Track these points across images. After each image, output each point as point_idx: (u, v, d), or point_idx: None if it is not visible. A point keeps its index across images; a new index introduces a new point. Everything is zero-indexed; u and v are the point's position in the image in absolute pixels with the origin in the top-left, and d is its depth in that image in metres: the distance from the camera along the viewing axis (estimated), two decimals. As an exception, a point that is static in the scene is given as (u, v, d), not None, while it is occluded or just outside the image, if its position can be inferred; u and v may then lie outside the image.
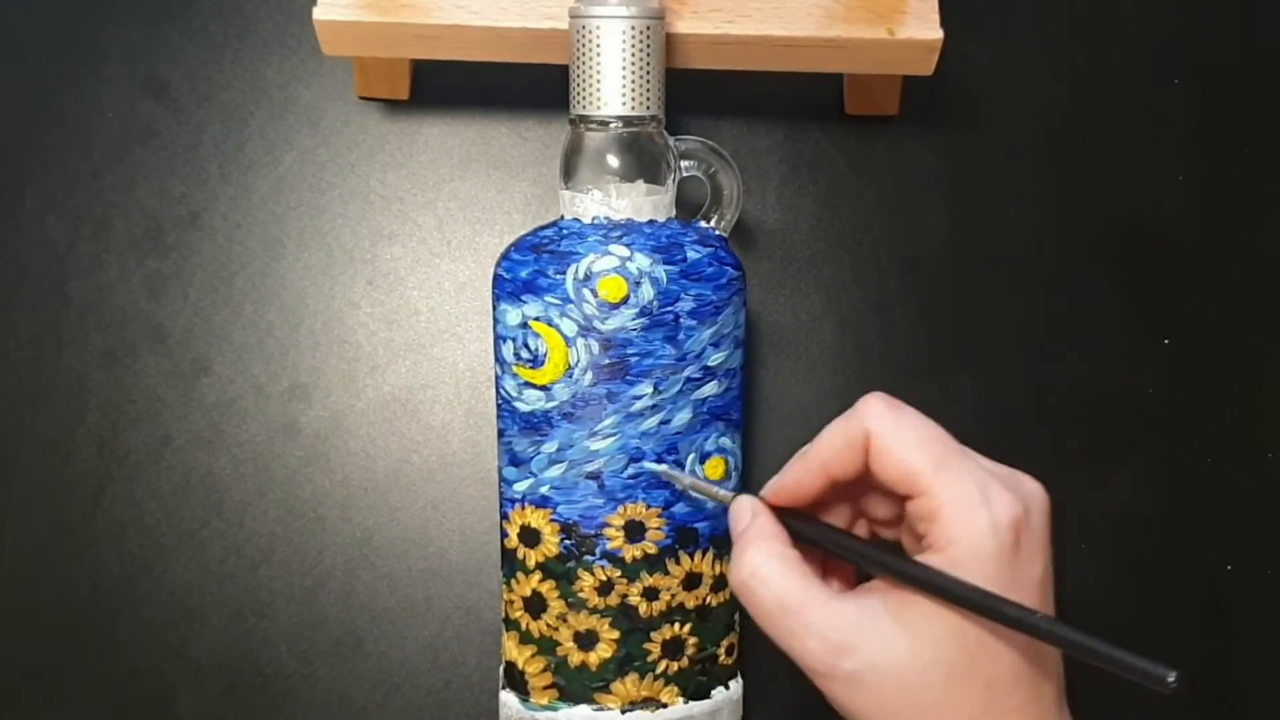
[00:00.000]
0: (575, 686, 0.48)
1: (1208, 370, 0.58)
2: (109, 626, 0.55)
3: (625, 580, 0.47)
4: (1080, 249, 0.59)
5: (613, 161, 0.48)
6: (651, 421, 0.47)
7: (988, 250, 0.60)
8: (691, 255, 0.47)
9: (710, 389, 0.48)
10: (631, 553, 0.47)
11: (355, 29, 0.51)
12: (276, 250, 0.58)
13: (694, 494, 0.47)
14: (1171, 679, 0.33)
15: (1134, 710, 0.55)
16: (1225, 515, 0.57)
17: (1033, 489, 0.40)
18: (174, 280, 0.58)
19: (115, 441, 0.57)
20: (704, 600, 0.49)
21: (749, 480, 0.54)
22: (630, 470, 0.47)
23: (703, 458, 0.48)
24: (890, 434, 0.39)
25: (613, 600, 0.47)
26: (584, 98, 0.48)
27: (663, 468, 0.47)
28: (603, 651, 0.48)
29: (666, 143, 0.48)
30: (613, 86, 0.47)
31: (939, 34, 0.51)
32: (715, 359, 0.48)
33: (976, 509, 0.37)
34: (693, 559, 0.48)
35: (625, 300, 0.46)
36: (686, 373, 0.47)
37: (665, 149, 0.48)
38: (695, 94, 0.59)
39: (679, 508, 0.48)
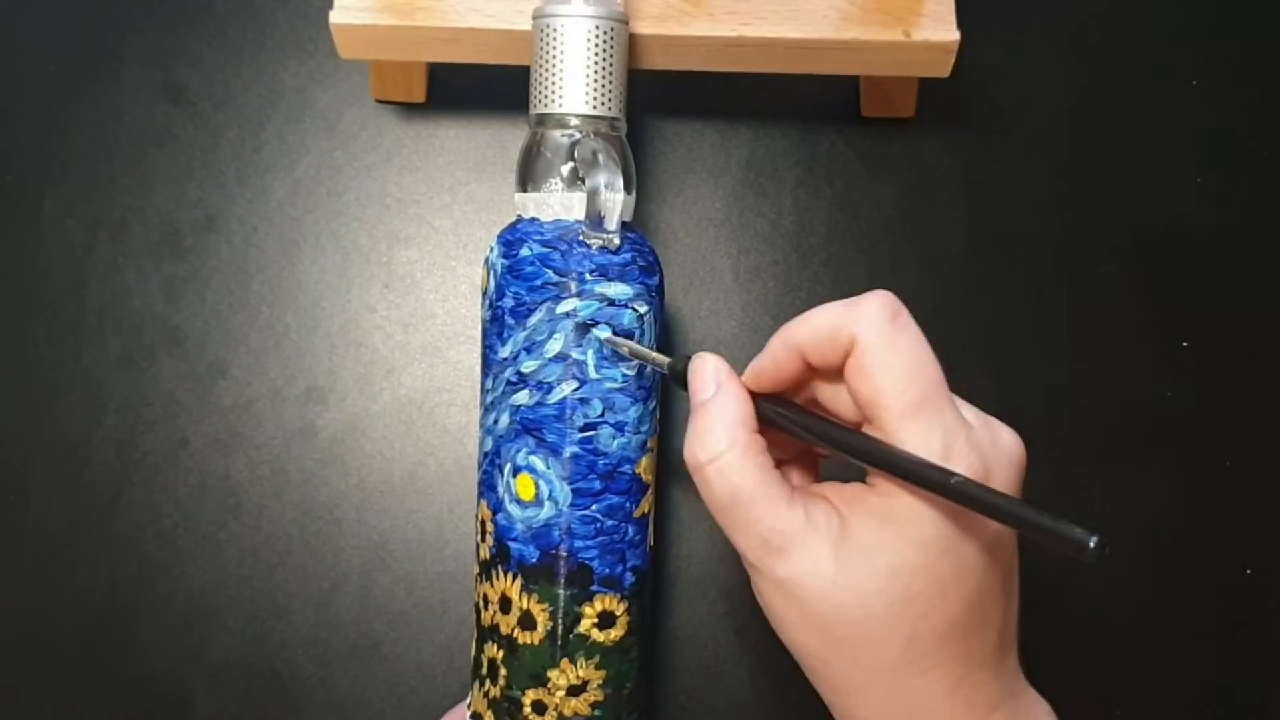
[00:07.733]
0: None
1: (1227, 372, 0.58)
2: (126, 629, 0.55)
3: (488, 583, 0.46)
4: (1098, 251, 0.59)
5: (557, 162, 0.45)
6: (490, 418, 0.46)
7: (1004, 253, 0.59)
8: (524, 251, 0.44)
9: (522, 398, 0.44)
10: (482, 552, 0.46)
11: (372, 32, 0.51)
12: (293, 253, 0.59)
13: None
14: (1092, 544, 0.30)
15: (1154, 713, 0.55)
16: (1244, 518, 0.57)
17: (1007, 442, 0.38)
18: (191, 283, 0.58)
19: (133, 444, 0.57)
20: (512, 632, 0.45)
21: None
22: (485, 465, 0.46)
23: (515, 470, 0.44)
24: (877, 353, 0.36)
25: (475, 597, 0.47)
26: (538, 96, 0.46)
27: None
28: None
29: (612, 145, 0.46)
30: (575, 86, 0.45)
31: (955, 36, 0.51)
32: (527, 366, 0.44)
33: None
34: (504, 578, 0.45)
35: (484, 291, 0.46)
36: (506, 374, 0.45)
37: (600, 151, 0.45)
38: (710, 97, 0.59)
39: (500, 516, 0.45)
